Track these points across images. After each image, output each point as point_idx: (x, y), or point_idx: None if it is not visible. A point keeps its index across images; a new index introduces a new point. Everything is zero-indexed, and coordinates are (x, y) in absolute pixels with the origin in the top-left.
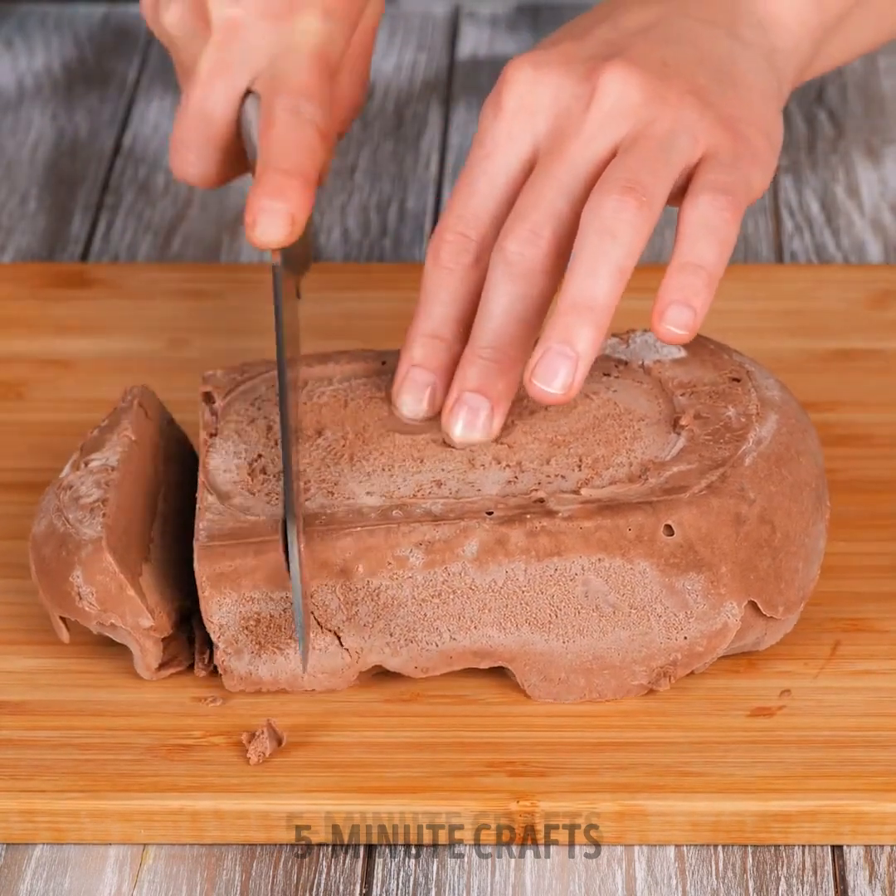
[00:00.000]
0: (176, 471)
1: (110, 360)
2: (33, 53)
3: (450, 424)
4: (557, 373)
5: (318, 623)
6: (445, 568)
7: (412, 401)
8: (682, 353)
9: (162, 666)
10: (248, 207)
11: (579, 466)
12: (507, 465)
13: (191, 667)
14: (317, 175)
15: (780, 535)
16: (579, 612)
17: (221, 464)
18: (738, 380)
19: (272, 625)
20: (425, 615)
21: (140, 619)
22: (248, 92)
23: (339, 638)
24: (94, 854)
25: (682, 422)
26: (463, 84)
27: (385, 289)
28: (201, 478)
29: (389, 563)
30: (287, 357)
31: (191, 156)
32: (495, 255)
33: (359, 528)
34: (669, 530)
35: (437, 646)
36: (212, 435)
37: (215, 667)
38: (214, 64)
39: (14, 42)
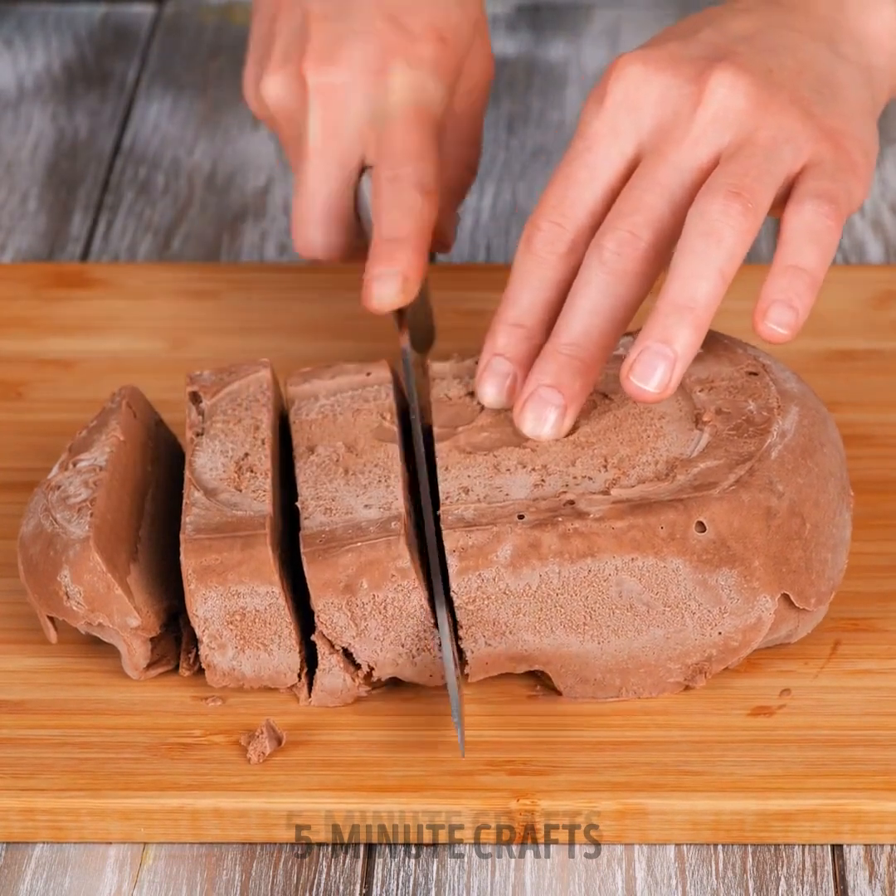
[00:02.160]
0: (164, 471)
1: (110, 360)
2: (33, 53)
3: (522, 417)
4: (655, 372)
5: (329, 644)
6: (479, 574)
7: (493, 391)
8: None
9: (150, 666)
10: (363, 281)
11: (605, 467)
12: (533, 469)
13: (178, 667)
14: (425, 234)
15: (810, 527)
16: (614, 613)
17: (208, 462)
18: (755, 373)
19: (257, 620)
20: (466, 620)
21: (128, 618)
22: (363, 164)
23: (349, 655)
24: (94, 854)
25: (705, 418)
26: None
27: None
28: (187, 474)
29: (393, 576)
30: (421, 431)
31: (313, 232)
32: (591, 253)
33: (360, 544)
34: (701, 527)
35: (472, 652)
36: (198, 434)
37: (200, 666)
38: (321, 137)
39: (14, 42)
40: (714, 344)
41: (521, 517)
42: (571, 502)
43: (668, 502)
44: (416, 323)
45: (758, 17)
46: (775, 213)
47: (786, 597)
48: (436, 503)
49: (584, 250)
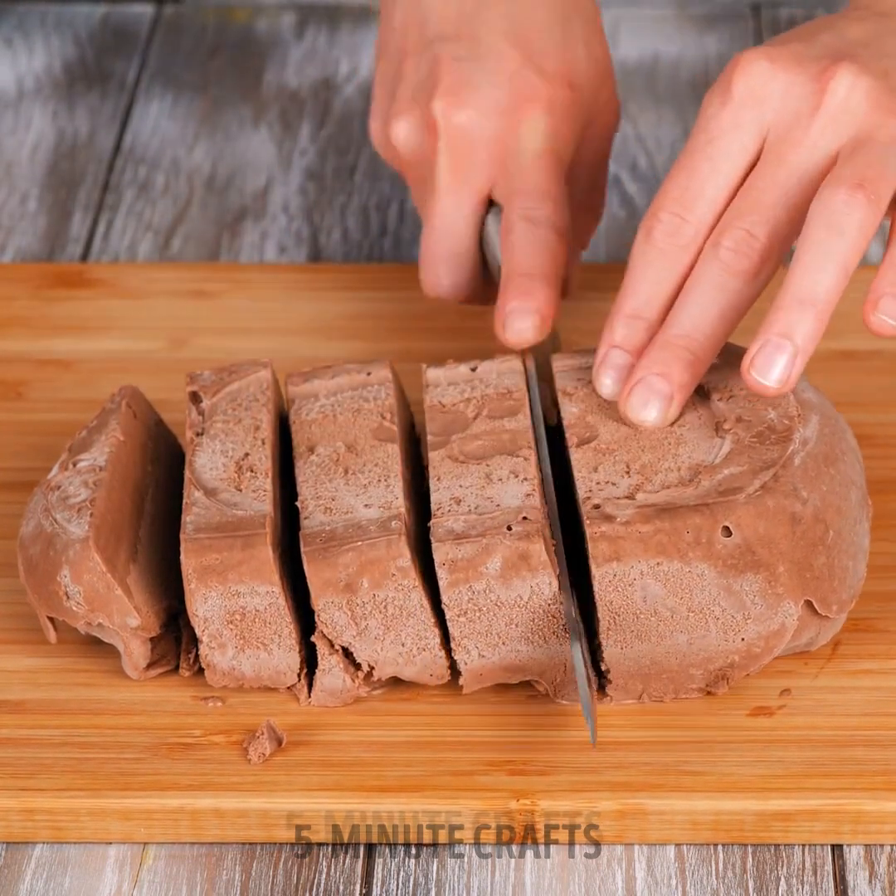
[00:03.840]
0: (164, 471)
1: (110, 360)
2: (33, 53)
3: (628, 403)
4: (775, 365)
5: (328, 644)
6: (470, 586)
7: (611, 382)
8: (714, 359)
9: (150, 666)
10: (496, 313)
11: (628, 472)
12: (525, 478)
13: (178, 667)
14: (559, 275)
15: (833, 534)
16: (638, 617)
17: (208, 462)
18: None
19: (257, 620)
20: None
21: (127, 618)
22: (490, 200)
23: (349, 655)
24: (94, 854)
25: (726, 426)
26: None
27: (385, 289)
28: (188, 474)
29: (394, 575)
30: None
31: (441, 271)
32: (709, 249)
33: (360, 543)
34: (727, 531)
35: (465, 663)
36: (198, 434)
37: (200, 666)
38: (450, 176)
39: (14, 42)
40: (730, 355)
41: (510, 528)
42: (597, 506)
43: (694, 507)
44: (541, 351)
45: (871, 26)
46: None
47: (808, 603)
48: (569, 501)
49: (703, 243)
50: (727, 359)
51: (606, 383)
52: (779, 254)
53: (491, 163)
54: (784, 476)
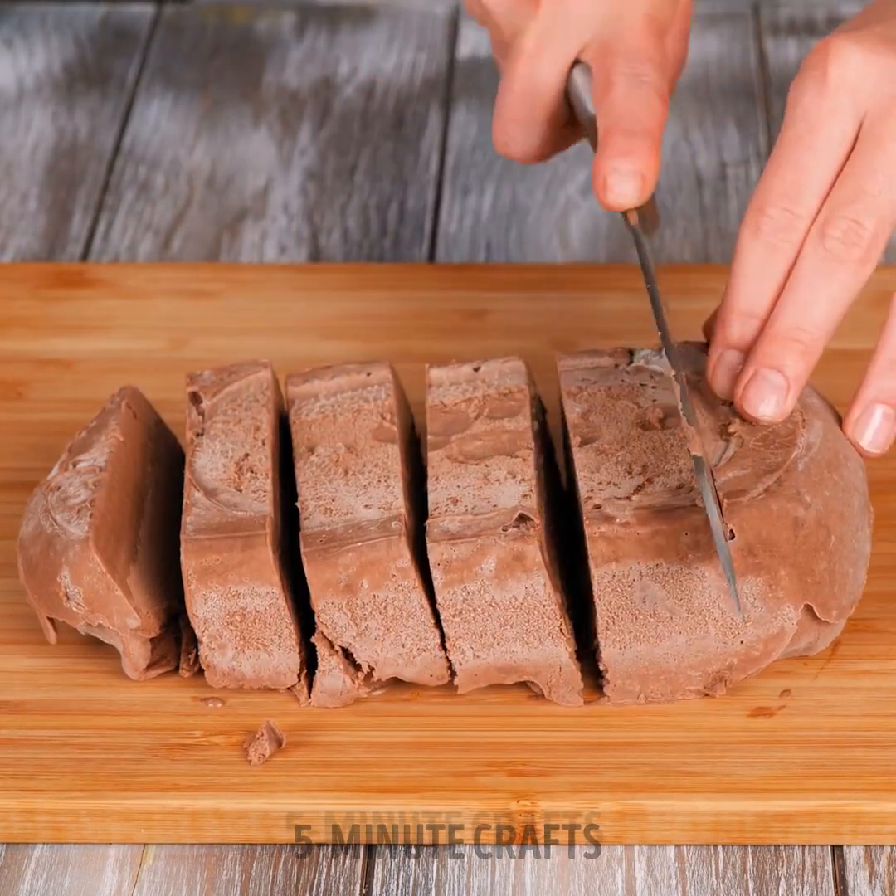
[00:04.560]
0: (164, 472)
1: (110, 360)
2: (33, 53)
3: (744, 398)
4: None
5: (328, 645)
6: (464, 586)
7: (727, 383)
8: None
9: (150, 666)
10: (595, 171)
11: (630, 473)
12: (523, 479)
13: (178, 668)
14: (661, 134)
15: (835, 539)
16: (637, 618)
17: (208, 462)
18: None
19: (257, 620)
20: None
21: (127, 619)
22: (576, 62)
23: (349, 656)
24: (94, 854)
25: (731, 429)
26: (463, 84)
27: (385, 289)
28: (188, 475)
29: (394, 575)
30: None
31: (516, 131)
32: (814, 239)
33: (360, 543)
34: (731, 534)
35: (460, 664)
36: (198, 434)
37: (200, 667)
38: (542, 35)
39: (14, 42)
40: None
41: (505, 529)
42: (598, 507)
43: (693, 508)
44: (643, 211)
45: None
46: None
47: (808, 608)
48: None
49: (807, 234)
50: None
51: (723, 384)
52: (884, 240)
53: (586, 26)
54: (788, 480)
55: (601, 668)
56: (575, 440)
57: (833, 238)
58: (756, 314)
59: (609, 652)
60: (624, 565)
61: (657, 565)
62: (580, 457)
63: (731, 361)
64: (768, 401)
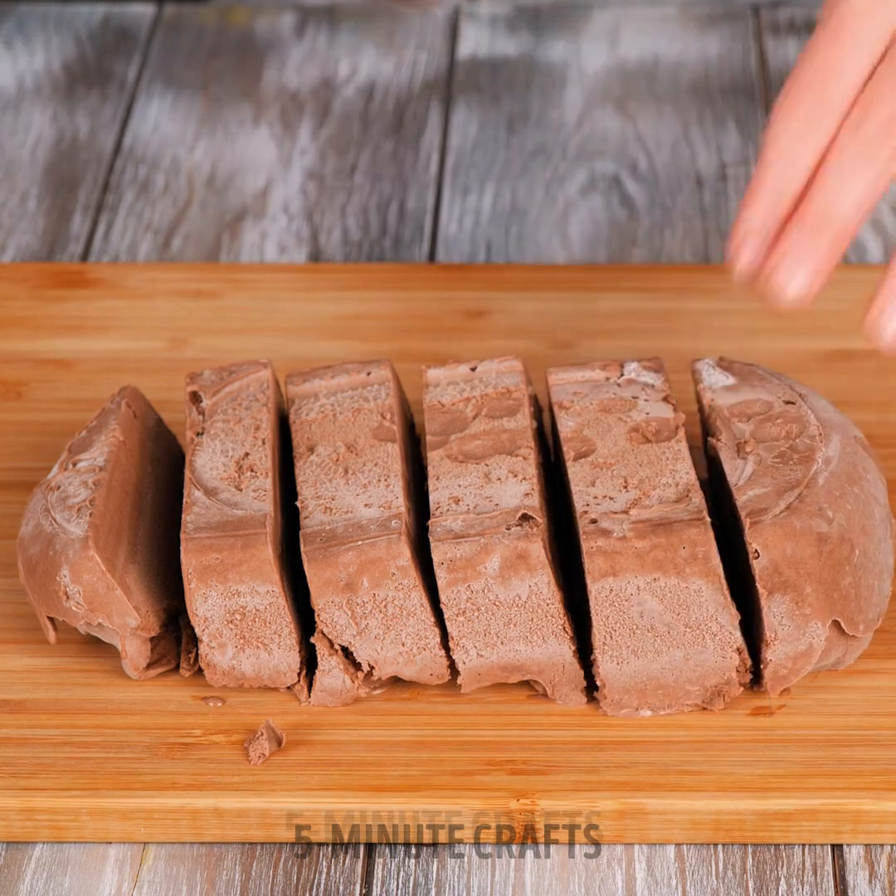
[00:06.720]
0: (164, 471)
1: (110, 360)
2: (33, 53)
3: (773, 276)
4: None
5: (328, 644)
6: (468, 585)
7: (750, 259)
8: (731, 380)
9: (150, 665)
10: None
11: (626, 487)
12: (524, 478)
13: (178, 667)
14: None
15: (859, 553)
16: (634, 633)
17: (208, 461)
18: (792, 403)
19: (257, 619)
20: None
21: (127, 618)
22: None
23: (349, 656)
24: (94, 854)
25: (747, 447)
26: (463, 84)
27: (385, 289)
28: (188, 474)
29: (394, 574)
30: None
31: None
32: (850, 127)
33: (360, 542)
34: (755, 554)
35: (464, 663)
36: (198, 434)
37: (200, 666)
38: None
39: (14, 42)
40: (748, 375)
41: (508, 528)
42: (594, 521)
43: (689, 521)
44: None
45: None
46: None
47: (836, 624)
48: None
49: (841, 122)
50: (745, 378)
51: (747, 255)
52: None
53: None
54: (809, 496)
55: (598, 682)
56: (569, 455)
57: (870, 126)
58: (787, 192)
59: (606, 666)
60: (621, 579)
61: (655, 579)
62: (575, 471)
63: (757, 240)
64: (797, 279)
